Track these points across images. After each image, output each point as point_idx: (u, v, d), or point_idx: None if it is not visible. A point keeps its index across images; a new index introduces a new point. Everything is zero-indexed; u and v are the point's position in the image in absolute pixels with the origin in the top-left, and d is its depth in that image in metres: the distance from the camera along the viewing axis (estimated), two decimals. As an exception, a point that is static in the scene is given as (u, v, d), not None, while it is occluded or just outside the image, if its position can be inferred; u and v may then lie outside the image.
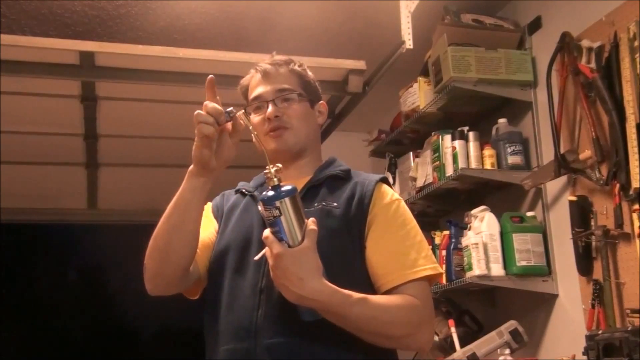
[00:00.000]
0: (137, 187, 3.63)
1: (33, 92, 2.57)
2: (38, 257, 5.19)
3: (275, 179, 1.15)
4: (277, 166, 1.16)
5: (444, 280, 2.62)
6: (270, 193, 1.13)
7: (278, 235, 1.14)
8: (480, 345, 2.20)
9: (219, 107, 1.20)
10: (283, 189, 1.14)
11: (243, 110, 1.23)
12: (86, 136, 2.95)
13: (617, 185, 2.05)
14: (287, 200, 1.12)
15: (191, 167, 1.25)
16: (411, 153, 2.99)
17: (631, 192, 1.99)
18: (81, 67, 2.33)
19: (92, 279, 5.47)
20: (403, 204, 1.35)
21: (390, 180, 3.11)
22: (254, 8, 2.65)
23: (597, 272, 2.14)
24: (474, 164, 2.55)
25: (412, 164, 2.95)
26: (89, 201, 3.71)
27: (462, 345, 2.28)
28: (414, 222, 1.33)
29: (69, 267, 5.47)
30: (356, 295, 1.17)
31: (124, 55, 2.30)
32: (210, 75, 1.23)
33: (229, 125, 1.23)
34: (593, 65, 2.17)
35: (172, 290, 1.32)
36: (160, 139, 3.06)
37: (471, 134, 2.60)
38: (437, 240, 2.79)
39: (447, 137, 2.65)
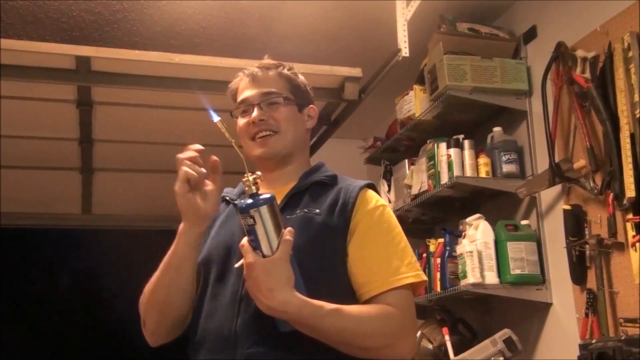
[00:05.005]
0: (131, 192, 3.62)
1: (29, 96, 2.56)
2: (31, 262, 5.17)
3: (253, 187, 1.12)
4: (257, 174, 1.14)
5: (438, 288, 2.62)
6: (249, 201, 1.12)
7: (253, 244, 1.12)
8: (474, 354, 2.20)
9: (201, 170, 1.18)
10: (260, 197, 1.11)
11: (220, 119, 1.19)
12: (81, 141, 2.94)
13: (611, 195, 2.06)
14: (262, 209, 1.10)
15: (180, 226, 1.22)
16: (406, 160, 2.99)
17: (625, 201, 2.00)
18: (77, 72, 2.32)
19: (86, 284, 5.44)
20: (388, 210, 1.32)
21: (385, 187, 3.12)
22: (251, 14, 2.66)
23: (591, 281, 2.14)
24: (469, 172, 2.56)
25: (408, 172, 2.95)
26: (83, 206, 3.70)
27: (456, 354, 2.29)
28: (398, 229, 1.30)
29: (62, 272, 5.45)
30: (328, 306, 1.14)
31: (120, 60, 2.30)
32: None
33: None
34: (587, 75, 2.18)
35: (175, 335, 1.32)
36: (156, 145, 3.05)
37: (466, 142, 2.60)
38: (432, 248, 2.79)
39: (443, 145, 2.66)
